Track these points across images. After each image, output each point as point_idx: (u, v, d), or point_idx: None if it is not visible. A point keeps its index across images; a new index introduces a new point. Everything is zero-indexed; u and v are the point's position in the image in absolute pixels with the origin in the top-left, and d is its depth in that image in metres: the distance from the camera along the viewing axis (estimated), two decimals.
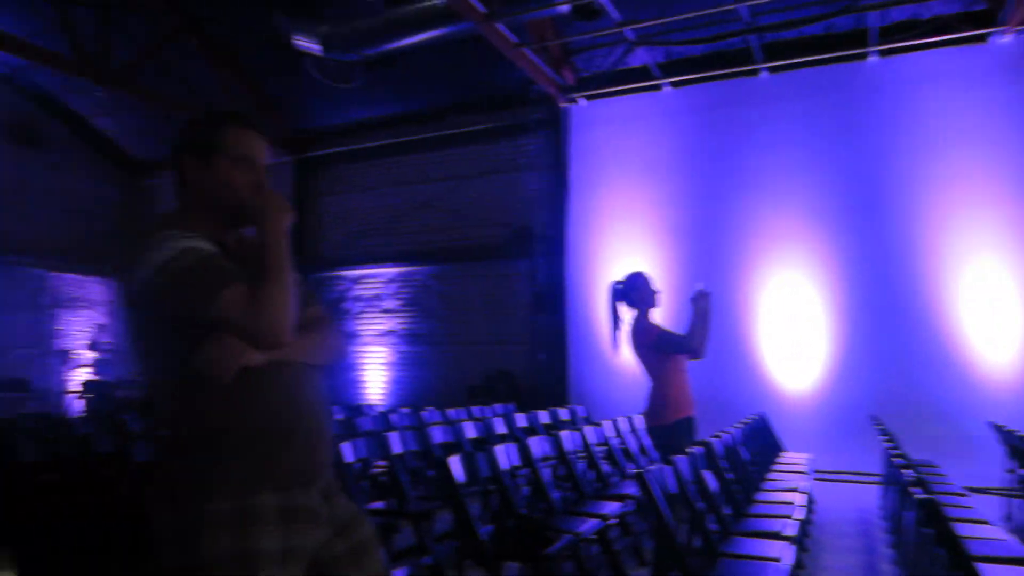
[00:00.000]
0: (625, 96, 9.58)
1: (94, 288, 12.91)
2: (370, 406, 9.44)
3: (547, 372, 9.45)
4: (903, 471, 3.58)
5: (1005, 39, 7.88)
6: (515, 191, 10.29)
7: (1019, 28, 7.71)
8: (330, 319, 1.95)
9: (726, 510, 3.93)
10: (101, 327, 12.99)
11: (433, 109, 10.85)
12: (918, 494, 2.88)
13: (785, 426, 7.24)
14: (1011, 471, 5.57)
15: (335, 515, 1.74)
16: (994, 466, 6.01)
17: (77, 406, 11.77)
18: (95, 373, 12.52)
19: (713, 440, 4.38)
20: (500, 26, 8.11)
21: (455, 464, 3.59)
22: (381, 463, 4.97)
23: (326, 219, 11.67)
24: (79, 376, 12.43)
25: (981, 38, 7.95)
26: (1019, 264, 7.55)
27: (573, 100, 9.83)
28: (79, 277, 12.69)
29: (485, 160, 10.59)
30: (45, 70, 10.79)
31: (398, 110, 11.09)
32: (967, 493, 4.61)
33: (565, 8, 7.80)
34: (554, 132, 9.98)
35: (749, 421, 5.79)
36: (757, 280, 8.56)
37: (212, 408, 1.60)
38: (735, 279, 8.54)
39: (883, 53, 8.28)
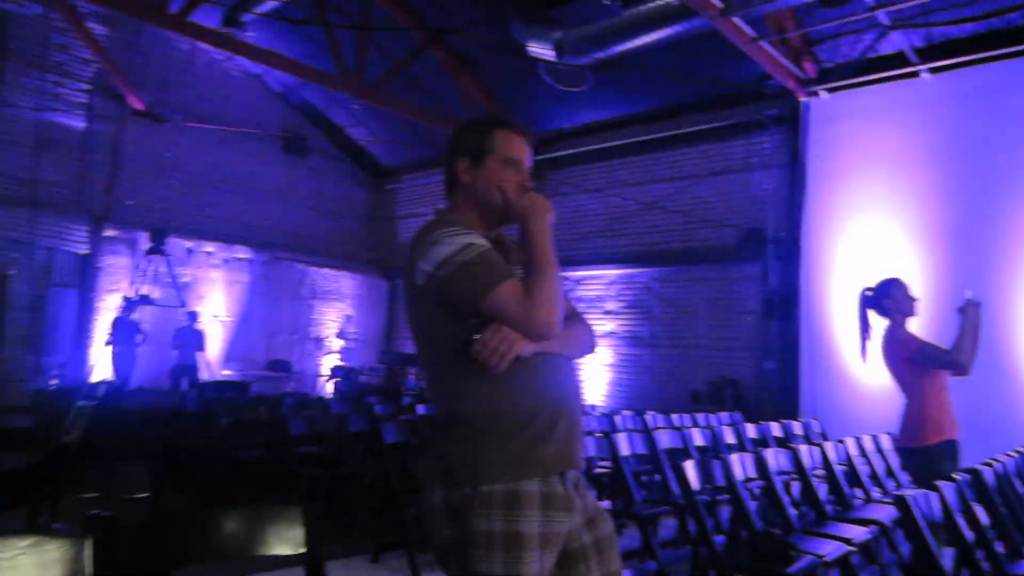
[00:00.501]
0: (874, 87, 8.74)
1: (344, 281, 14.38)
2: (592, 406, 9.55)
3: (776, 382, 8.94)
4: None
5: None
6: (746, 191, 9.85)
7: None
8: (582, 315, 2.02)
9: (998, 547, 3.46)
10: (348, 318, 14.45)
11: (662, 109, 10.71)
12: None
13: None
14: None
15: (585, 507, 1.79)
16: None
17: (326, 388, 13.17)
18: (342, 359, 13.94)
19: (982, 468, 3.89)
20: (736, 19, 7.82)
21: (690, 469, 3.52)
22: (606, 464, 5.02)
23: (555, 220, 11.94)
24: (329, 361, 13.84)
25: None
26: None
27: (814, 93, 9.19)
28: (332, 272, 14.22)
29: (716, 159, 10.27)
30: (312, 87, 12.24)
31: (626, 111, 11.09)
32: None
33: None
34: (791, 128, 9.42)
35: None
36: None
37: (486, 393, 1.71)
38: (1004, 286, 7.47)
39: None
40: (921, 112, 8.43)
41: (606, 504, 4.52)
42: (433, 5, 10.67)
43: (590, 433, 5.17)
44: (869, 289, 4.15)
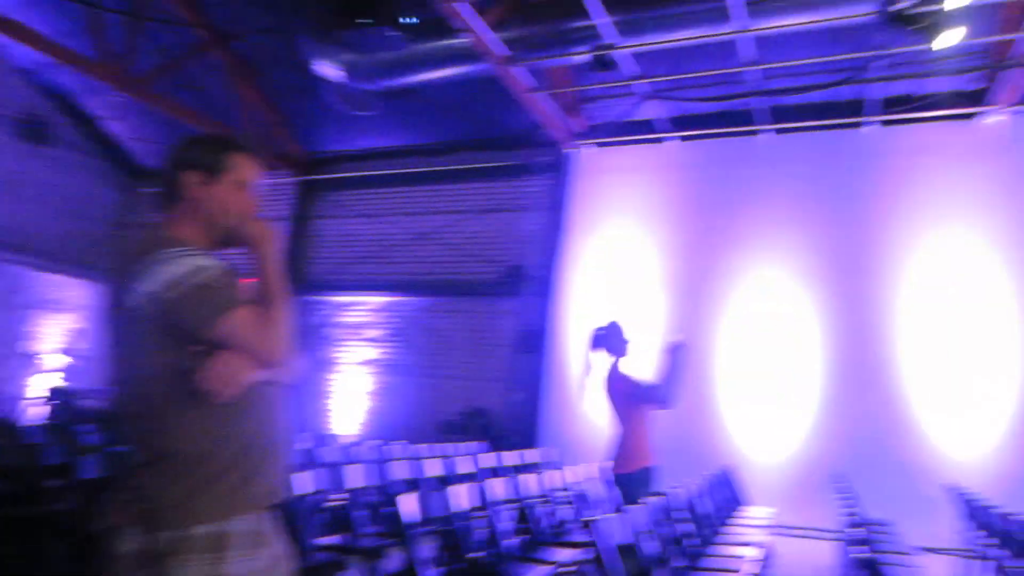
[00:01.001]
0: (631, 146, 9.71)
1: (76, 291, 12.36)
2: (335, 436, 9.28)
3: (521, 413, 9.38)
4: (850, 529, 3.53)
5: (993, 119, 8.06)
6: (513, 230, 10.34)
7: (1007, 109, 7.89)
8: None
9: (678, 563, 3.86)
10: (77, 332, 12.55)
11: (441, 143, 10.97)
12: (858, 552, 2.83)
13: (754, 480, 7.34)
14: (966, 532, 5.54)
15: (280, 541, 1.74)
16: (954, 526, 5.97)
17: (37, 413, 11.25)
18: (65, 380, 11.97)
19: (672, 491, 4.33)
20: (516, 70, 8.24)
21: (407, 503, 3.54)
22: (339, 496, 4.89)
23: (321, 242, 11.68)
24: (44, 382, 11.73)
25: (971, 116, 8.13)
26: (988, 338, 7.67)
27: (579, 146, 9.94)
28: (63, 278, 12.36)
29: (488, 197, 10.66)
30: (66, 69, 10.92)
31: (407, 142, 11.21)
32: (915, 553, 4.54)
33: (585, 58, 7.94)
34: (557, 175, 10.08)
35: (714, 473, 5.74)
36: (740, 335, 8.59)
37: (200, 428, 1.60)
38: (722, 332, 8.61)
39: (880, 123, 8.45)
40: (667, 174, 9.47)
41: (333, 539, 4.39)
42: (222, 4, 10.09)
43: (326, 465, 5.03)
44: (601, 329, 4.49)
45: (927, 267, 8.02)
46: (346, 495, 4.63)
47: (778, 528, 6.45)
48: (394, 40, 8.67)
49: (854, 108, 8.47)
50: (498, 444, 8.07)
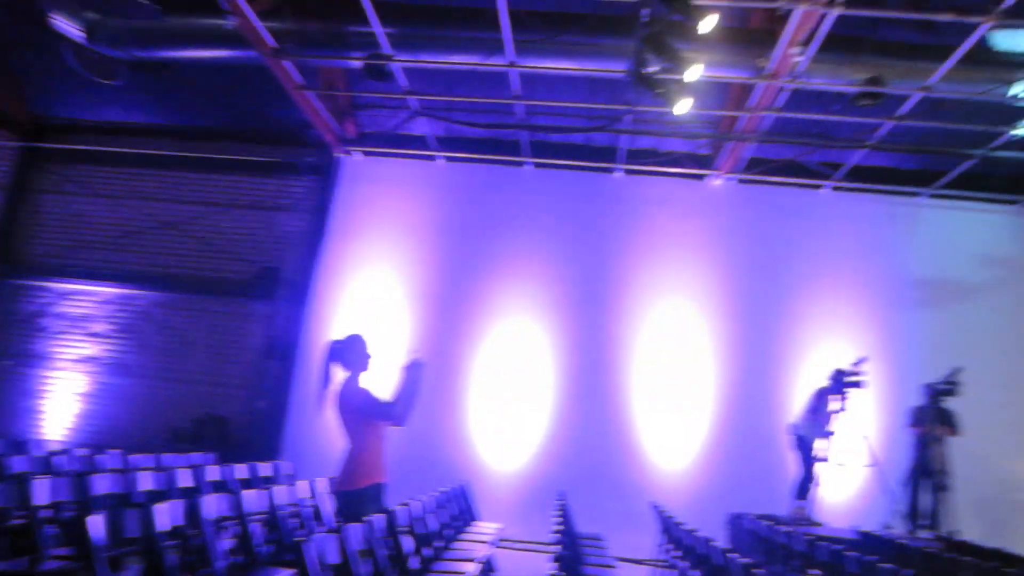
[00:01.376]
0: (400, 159, 9.74)
1: None
2: (34, 442, 8.13)
3: (264, 422, 8.94)
4: (558, 543, 3.78)
5: (717, 182, 9.30)
6: (270, 230, 9.85)
7: (727, 175, 9.15)
8: None
9: None
10: None
11: (198, 128, 10.19)
12: (563, 562, 3.04)
13: (488, 496, 7.79)
14: (662, 545, 6.25)
15: None
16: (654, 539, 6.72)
17: None
18: None
19: (399, 508, 4.34)
20: (287, 64, 7.90)
21: (96, 522, 3.17)
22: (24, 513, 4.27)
23: (44, 220, 10.24)
24: None
25: (702, 177, 9.32)
26: (695, 369, 8.86)
27: (348, 152, 9.77)
28: None
29: (245, 192, 10.07)
30: None
31: (159, 121, 10.26)
32: (615, 564, 4.99)
33: (357, 64, 7.82)
34: (323, 179, 9.81)
35: (448, 489, 5.87)
36: (485, 356, 8.99)
37: None
38: (465, 352, 8.92)
39: (627, 171, 9.35)
40: (433, 191, 9.64)
41: (14, 564, 3.82)
42: None
43: (12, 478, 4.38)
44: (338, 342, 4.38)
45: (655, 307, 9.00)
46: (32, 512, 4.06)
47: (503, 542, 6.75)
48: (147, 7, 7.91)
49: (608, 154, 9.26)
50: (236, 455, 7.58)
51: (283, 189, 9.98)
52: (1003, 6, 5.93)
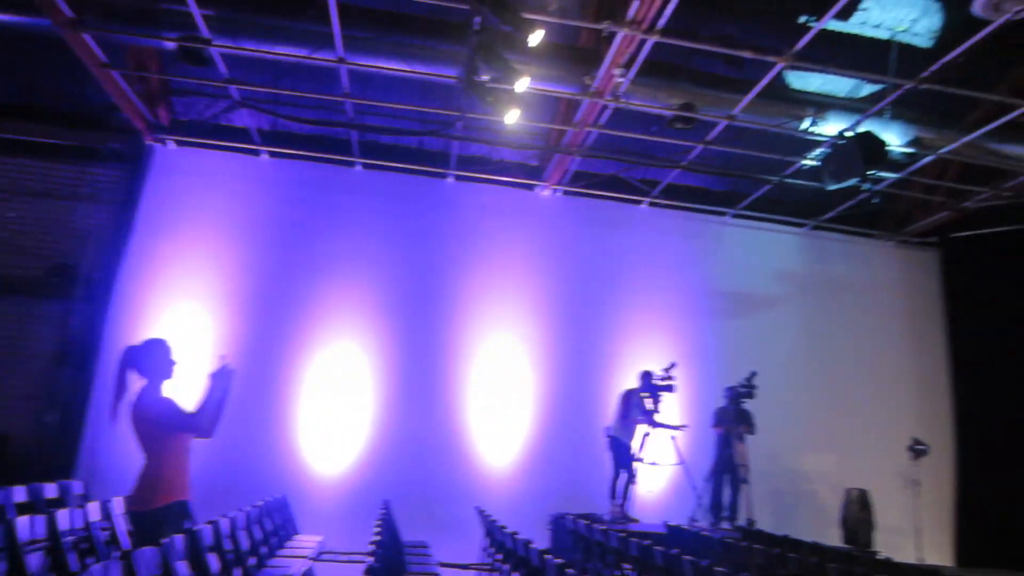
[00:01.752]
0: (220, 152, 9.13)
1: None
2: None
3: (55, 438, 7.99)
4: (373, 554, 3.69)
5: (545, 193, 9.60)
6: (66, 222, 8.84)
7: (554, 186, 9.48)
8: None
9: None
10: None
11: None
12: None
13: (310, 508, 7.57)
14: (486, 549, 6.31)
15: None
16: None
17: None
18: None
19: (205, 526, 4.03)
20: (87, 38, 7.13)
21: None
22: None
23: None
24: None
25: (532, 187, 9.57)
26: (519, 374, 9.05)
27: (162, 140, 9.02)
28: None
29: (38, 179, 8.97)
30: None
31: None
32: (438, 572, 4.96)
33: (171, 45, 7.21)
34: (131, 168, 8.97)
35: (262, 503, 5.56)
36: (306, 362, 8.65)
37: None
38: (285, 358, 8.54)
39: (459, 178, 9.39)
40: (255, 188, 9.13)
41: None
42: None
43: None
44: (134, 347, 3.99)
45: (484, 314, 9.10)
46: None
47: (324, 554, 6.50)
48: None
49: (440, 159, 9.25)
50: (20, 476, 6.68)
51: (83, 177, 9.00)
52: (795, 49, 6.59)
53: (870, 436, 9.51)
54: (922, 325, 10.23)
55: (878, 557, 6.55)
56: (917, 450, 8.71)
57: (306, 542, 6.05)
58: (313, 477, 8.28)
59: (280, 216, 9.03)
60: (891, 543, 8.57)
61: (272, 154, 9.22)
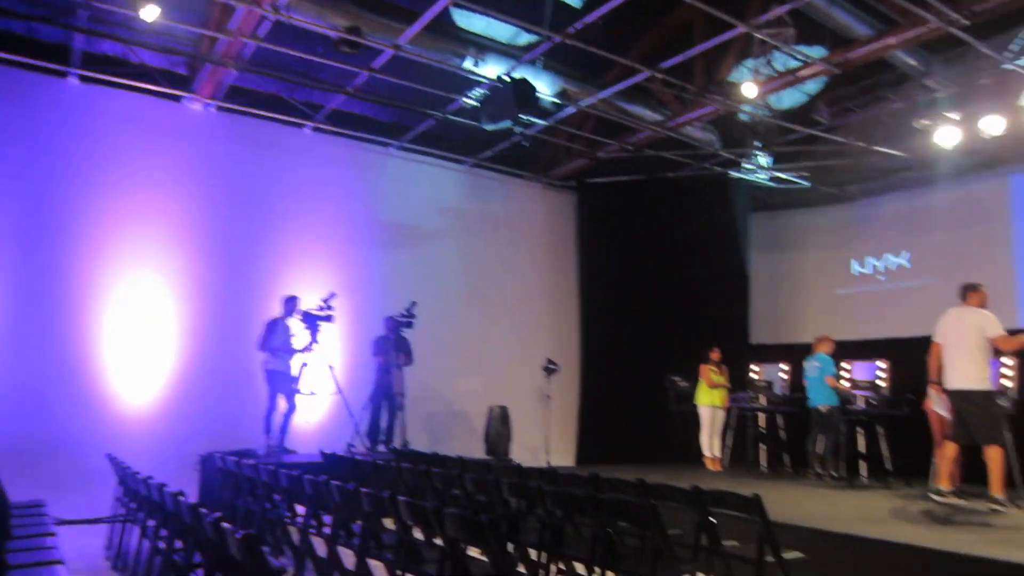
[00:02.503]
0: None
1: None
2: None
3: None
4: None
5: (196, 106, 8.69)
6: None
7: (207, 100, 8.62)
8: None
9: None
10: None
11: None
12: None
13: None
14: (120, 499, 5.75)
15: None
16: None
17: None
18: None
19: None
20: None
21: None
22: None
23: None
24: None
25: (179, 99, 8.57)
26: (163, 307, 8.30)
27: None
28: None
29: None
30: None
31: None
32: (56, 531, 4.38)
33: None
34: None
35: None
36: None
37: None
38: None
39: (85, 79, 8.01)
40: None
41: None
42: None
43: None
44: None
45: (121, 238, 8.05)
46: None
47: None
48: None
49: (59, 54, 7.76)
50: None
51: None
52: None
53: (514, 359, 10.52)
54: (560, 260, 11.50)
55: (511, 464, 7.33)
56: (550, 369, 9.86)
57: None
58: None
59: None
60: (526, 452, 9.70)
61: None
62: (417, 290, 9.28)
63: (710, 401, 9.31)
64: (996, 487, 5.72)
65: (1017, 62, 7.23)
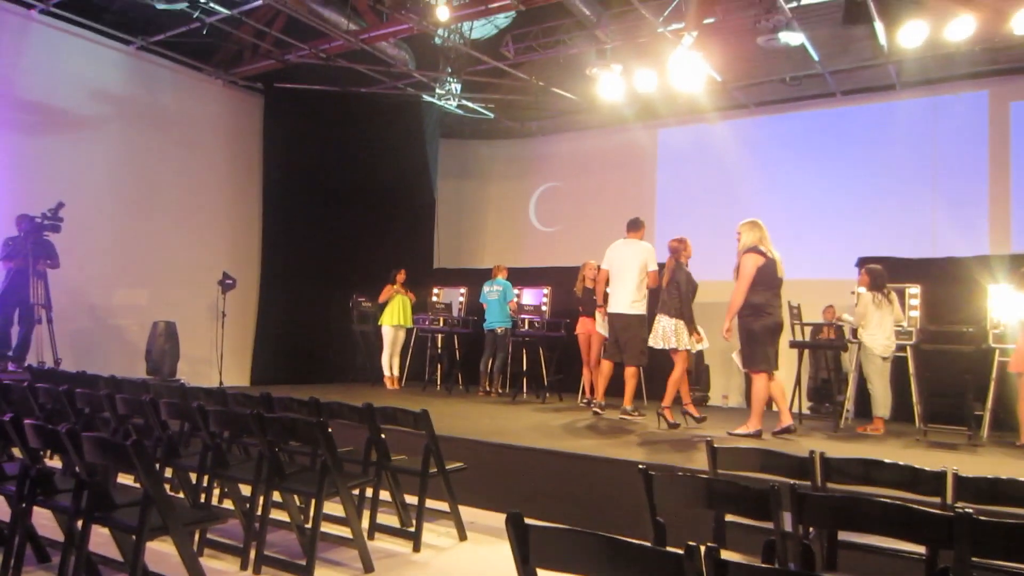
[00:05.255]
0: None
1: None
2: None
3: None
4: None
5: None
6: None
7: None
8: None
9: None
10: None
11: None
12: None
13: None
14: None
15: None
16: None
17: None
18: None
19: None
20: None
21: None
22: None
23: None
24: None
25: None
26: None
27: None
28: None
29: None
30: None
31: None
32: None
33: None
34: None
35: None
36: None
37: None
38: None
39: None
40: None
41: None
42: None
43: None
44: None
45: None
46: None
47: None
48: None
49: None
50: None
51: None
52: None
53: (185, 270, 9.65)
54: (242, 167, 10.66)
55: (176, 384, 6.81)
56: (225, 284, 9.22)
57: None
58: None
59: None
60: (197, 370, 9.08)
61: None
62: (67, 186, 7.99)
63: (393, 321, 9.52)
64: (628, 400, 6.59)
65: (669, 28, 8.26)
